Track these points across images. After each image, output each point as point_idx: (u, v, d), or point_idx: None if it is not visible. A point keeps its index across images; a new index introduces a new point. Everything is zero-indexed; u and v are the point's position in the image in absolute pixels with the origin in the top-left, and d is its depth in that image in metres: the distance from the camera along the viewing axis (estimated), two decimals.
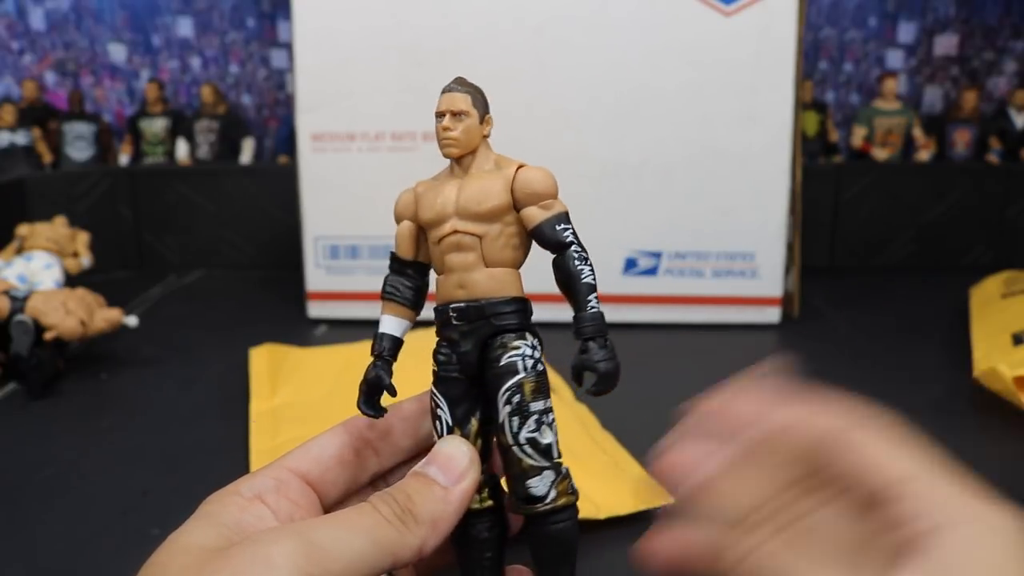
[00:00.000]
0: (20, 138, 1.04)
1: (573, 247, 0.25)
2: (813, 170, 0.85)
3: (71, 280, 0.66)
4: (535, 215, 0.25)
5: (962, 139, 1.02)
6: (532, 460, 0.24)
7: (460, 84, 0.27)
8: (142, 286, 0.83)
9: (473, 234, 0.25)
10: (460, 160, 0.26)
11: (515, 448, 0.24)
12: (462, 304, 0.25)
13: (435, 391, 0.26)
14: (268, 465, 0.25)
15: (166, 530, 0.22)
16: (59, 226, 0.69)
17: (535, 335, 0.25)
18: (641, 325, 0.67)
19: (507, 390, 0.24)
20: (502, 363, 0.24)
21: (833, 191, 0.88)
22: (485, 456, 0.25)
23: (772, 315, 0.66)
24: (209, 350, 0.64)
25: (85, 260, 0.69)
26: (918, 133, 1.00)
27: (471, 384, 0.25)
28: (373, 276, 0.68)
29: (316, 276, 0.69)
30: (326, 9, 0.64)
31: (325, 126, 0.66)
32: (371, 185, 0.67)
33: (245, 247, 0.91)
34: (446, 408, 0.25)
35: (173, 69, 1.14)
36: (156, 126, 1.07)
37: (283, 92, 1.14)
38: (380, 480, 0.27)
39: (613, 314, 0.68)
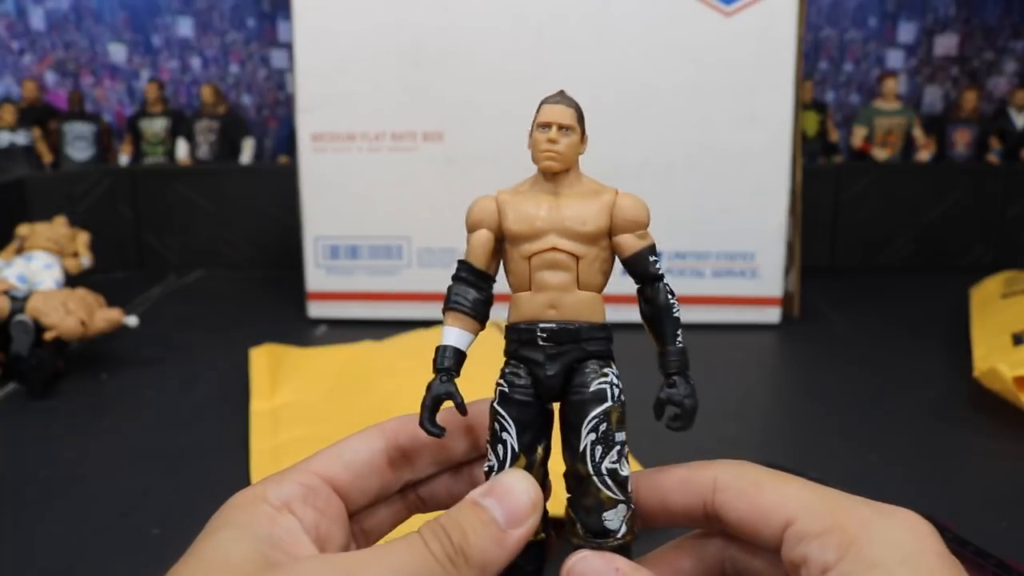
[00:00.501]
0: (20, 138, 1.04)
1: (664, 280, 0.24)
2: (813, 170, 0.85)
3: (71, 280, 0.66)
4: (631, 244, 0.24)
5: (962, 139, 1.02)
6: (611, 492, 0.23)
7: (565, 97, 0.25)
8: (142, 286, 0.83)
9: (573, 254, 0.24)
10: (554, 176, 0.25)
11: (595, 478, 0.23)
12: (553, 325, 0.24)
13: (502, 413, 0.24)
14: (295, 467, 0.24)
15: (166, 530, 0.22)
16: (59, 226, 0.69)
17: (616, 365, 0.25)
18: (641, 325, 0.67)
19: (594, 417, 0.23)
20: (592, 389, 0.24)
21: (833, 191, 0.88)
22: (545, 488, 0.24)
23: (772, 315, 0.66)
24: (209, 350, 0.64)
25: (85, 260, 0.69)
26: (918, 133, 1.00)
27: (543, 410, 0.24)
28: (373, 276, 0.69)
29: (316, 276, 0.69)
30: (326, 9, 0.64)
31: (325, 126, 0.66)
32: (371, 185, 0.67)
33: (245, 247, 0.91)
34: (514, 433, 0.24)
35: (173, 69, 1.14)
36: (156, 126, 1.07)
37: (283, 92, 1.14)
38: (410, 489, 0.26)
39: (613, 314, 0.68)
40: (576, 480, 0.24)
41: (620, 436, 0.24)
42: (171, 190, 0.90)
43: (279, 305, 0.75)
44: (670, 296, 0.24)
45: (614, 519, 0.23)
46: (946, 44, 1.09)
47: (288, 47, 1.11)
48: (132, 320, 0.59)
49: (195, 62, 1.14)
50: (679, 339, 0.24)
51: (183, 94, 1.16)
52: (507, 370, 0.25)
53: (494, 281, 0.26)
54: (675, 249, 0.66)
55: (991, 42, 1.09)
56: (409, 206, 0.67)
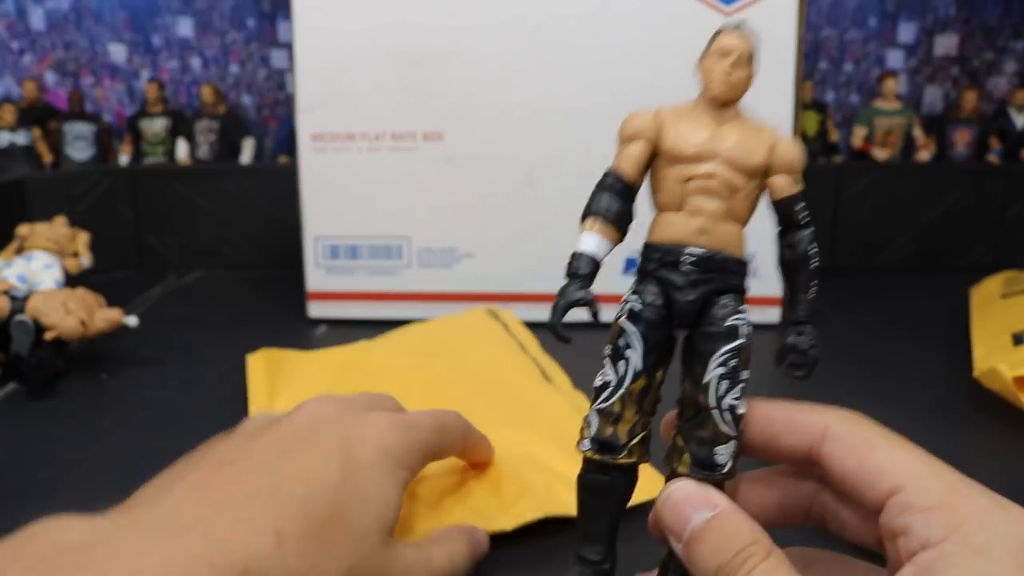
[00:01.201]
0: (20, 138, 1.04)
1: (811, 229, 0.24)
2: (813, 170, 0.85)
3: (71, 280, 0.66)
4: (785, 187, 0.24)
5: (962, 139, 1.02)
6: (727, 427, 0.23)
7: (747, 26, 0.25)
8: (142, 286, 0.83)
9: (732, 185, 0.24)
10: (722, 106, 0.25)
11: (715, 411, 0.23)
12: (702, 250, 0.24)
13: (631, 329, 0.24)
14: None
15: None
16: (59, 226, 0.69)
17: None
18: None
19: (726, 352, 0.23)
20: (728, 323, 0.24)
21: (833, 191, 0.88)
22: (655, 409, 0.25)
23: (772, 315, 0.66)
24: (209, 350, 0.64)
25: (85, 260, 0.69)
26: (918, 133, 1.00)
27: (670, 335, 0.24)
28: (373, 276, 0.69)
29: (316, 276, 0.69)
30: (326, 9, 0.64)
31: (325, 126, 0.66)
32: (371, 185, 0.67)
33: (245, 247, 0.91)
34: (640, 351, 0.24)
35: (173, 69, 1.14)
36: (156, 126, 1.07)
37: (283, 92, 1.14)
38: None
39: (613, 314, 0.68)
40: (695, 410, 0.24)
41: (745, 374, 0.24)
42: (171, 190, 0.90)
43: (279, 305, 0.75)
44: (811, 247, 0.24)
45: (724, 453, 0.23)
46: (946, 44, 1.09)
47: (288, 47, 1.11)
48: (132, 320, 0.59)
49: (195, 62, 1.14)
50: (813, 289, 0.24)
51: (183, 94, 1.16)
52: (641, 287, 0.24)
53: (636, 195, 0.26)
54: None
55: (991, 42, 1.09)
56: (409, 206, 0.67)
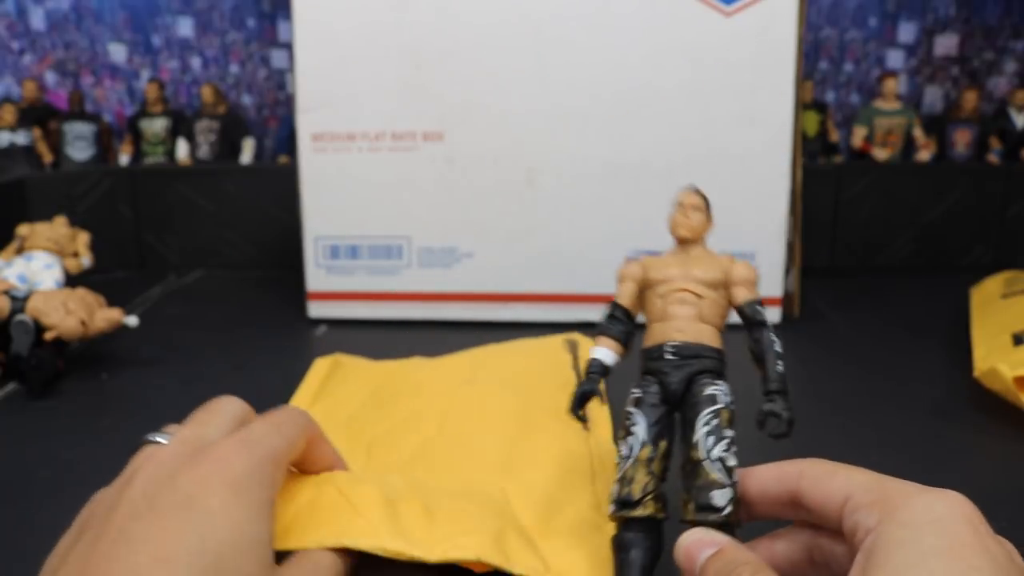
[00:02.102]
0: (20, 138, 1.04)
1: (768, 325, 0.31)
2: (813, 170, 0.85)
3: (71, 280, 0.66)
4: (743, 294, 0.32)
5: (962, 139, 1.02)
6: (719, 475, 0.28)
7: (698, 189, 0.34)
8: (142, 286, 0.83)
9: (697, 294, 0.32)
10: (686, 244, 0.33)
11: (706, 462, 0.28)
12: (678, 343, 0.31)
13: (633, 410, 0.31)
14: None
15: None
16: (59, 226, 0.69)
17: (726, 382, 0.31)
18: (641, 325, 0.67)
19: (708, 414, 0.29)
20: (706, 393, 0.30)
21: (833, 191, 0.88)
22: (665, 476, 0.30)
23: (772, 315, 0.66)
24: (209, 350, 0.64)
25: (85, 260, 0.69)
26: (918, 133, 1.00)
27: (667, 413, 0.31)
28: (373, 276, 0.69)
29: (316, 276, 0.69)
30: (326, 9, 0.64)
31: (325, 126, 0.66)
32: (371, 185, 0.67)
33: (245, 247, 0.91)
34: (643, 425, 0.30)
35: (173, 69, 1.14)
36: (156, 126, 1.07)
37: (283, 92, 1.14)
38: None
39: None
40: (691, 465, 0.29)
41: (729, 432, 0.29)
42: (171, 190, 0.90)
43: (279, 305, 0.75)
44: (773, 336, 0.31)
45: (720, 498, 0.28)
46: (946, 44, 1.09)
47: (288, 47, 1.11)
48: (132, 320, 0.59)
49: (195, 62, 1.14)
50: (779, 367, 0.30)
51: (183, 94, 1.16)
52: (642, 381, 0.32)
53: (635, 320, 0.34)
54: None
55: (991, 42, 1.09)
56: (409, 206, 0.67)
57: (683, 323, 0.31)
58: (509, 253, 0.67)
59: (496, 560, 0.30)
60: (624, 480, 0.30)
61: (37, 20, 1.14)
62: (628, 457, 0.30)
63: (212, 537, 0.23)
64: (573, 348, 0.57)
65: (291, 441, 0.28)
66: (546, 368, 0.53)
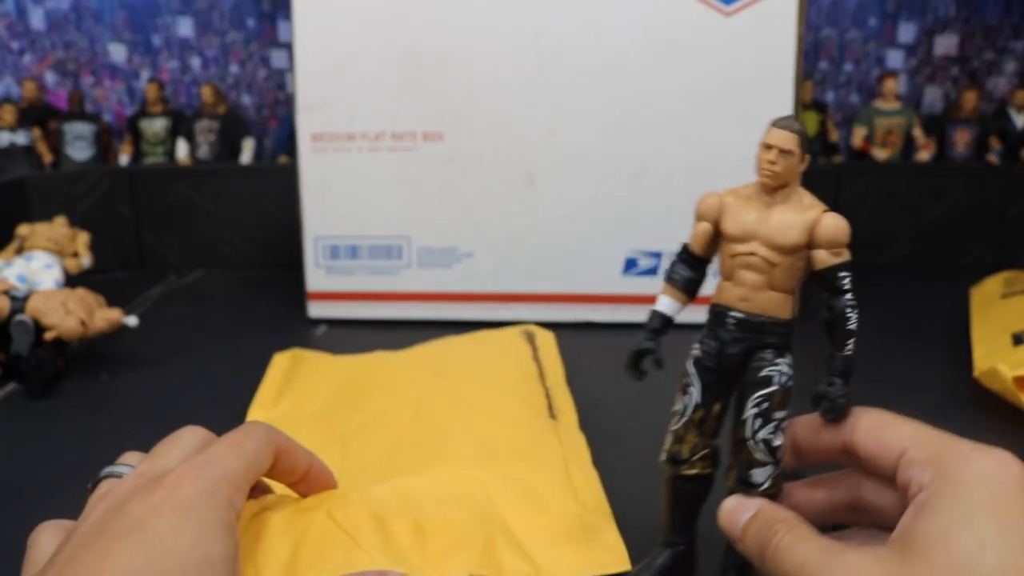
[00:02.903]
0: (20, 138, 1.04)
1: (849, 295, 0.29)
2: (813, 170, 0.85)
3: (71, 280, 0.66)
4: (825, 259, 0.29)
5: (962, 139, 1.02)
6: (762, 455, 0.29)
7: (792, 123, 0.29)
8: (142, 286, 0.83)
9: (770, 261, 0.29)
10: (773, 189, 0.29)
11: (750, 443, 0.29)
12: (742, 315, 0.29)
13: (691, 370, 0.30)
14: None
15: None
16: (59, 226, 0.69)
17: (791, 355, 0.30)
18: (641, 325, 0.67)
19: (759, 397, 0.29)
20: (762, 373, 0.29)
21: (833, 191, 0.88)
22: (717, 433, 0.31)
23: None
24: (209, 350, 0.64)
25: (85, 260, 0.69)
26: (918, 133, 1.00)
27: (724, 376, 0.30)
28: (373, 276, 0.69)
29: (316, 276, 0.69)
30: (326, 9, 0.64)
31: (325, 126, 0.66)
32: (371, 185, 0.67)
33: (245, 247, 0.91)
34: (698, 388, 0.30)
35: (173, 69, 1.14)
36: (156, 126, 1.07)
37: (283, 92, 1.14)
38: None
39: (613, 314, 0.68)
40: (736, 440, 0.29)
41: (779, 415, 0.29)
42: (171, 190, 0.90)
43: (279, 305, 0.75)
44: (851, 310, 0.28)
45: (760, 475, 0.29)
46: (946, 44, 1.09)
47: (288, 47, 1.11)
48: (132, 320, 0.59)
49: (195, 62, 1.14)
50: (848, 348, 0.28)
51: (183, 94, 1.16)
52: (704, 338, 0.30)
53: (709, 263, 0.31)
54: (675, 249, 0.66)
55: (991, 42, 1.09)
56: (409, 206, 0.67)
57: (749, 291, 0.29)
58: (509, 253, 0.67)
59: (488, 572, 0.31)
60: (676, 436, 0.30)
61: (37, 20, 1.14)
62: (682, 416, 0.30)
63: (158, 558, 0.23)
64: (531, 339, 0.57)
65: (249, 459, 0.28)
66: (509, 360, 0.54)
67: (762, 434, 0.29)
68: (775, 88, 0.63)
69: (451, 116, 0.65)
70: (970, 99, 1.03)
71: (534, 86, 0.64)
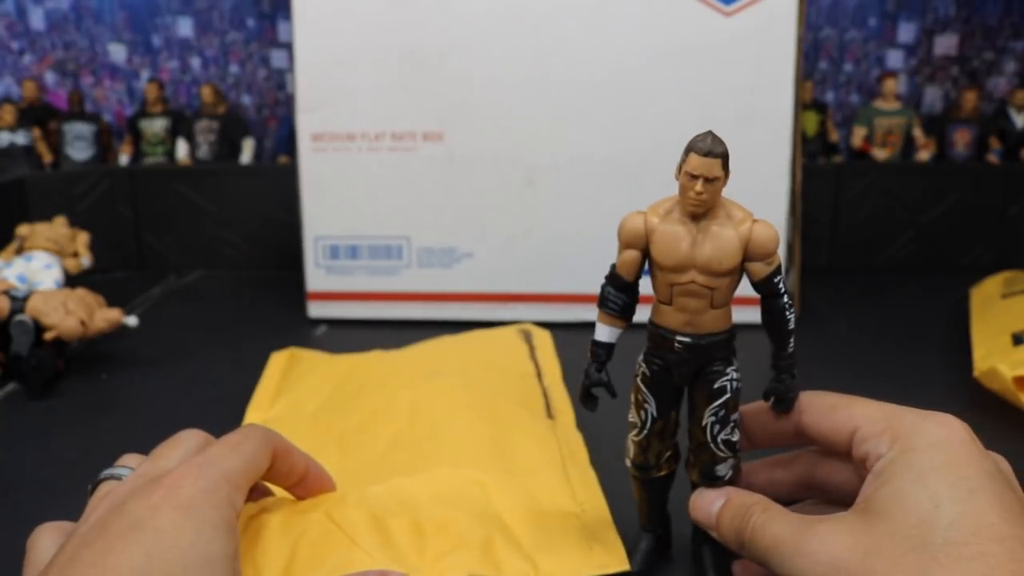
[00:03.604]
0: (20, 138, 1.04)
1: (785, 297, 0.30)
2: (813, 170, 0.85)
3: (71, 280, 0.66)
4: (761, 270, 0.29)
5: (962, 139, 1.02)
6: (722, 453, 0.30)
7: (716, 147, 0.28)
8: (142, 286, 0.83)
9: (709, 286, 0.29)
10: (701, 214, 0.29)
11: (711, 444, 0.30)
12: (689, 339, 0.30)
13: (644, 389, 0.31)
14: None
15: None
16: (59, 226, 0.69)
17: (736, 359, 0.31)
18: (641, 325, 0.67)
19: (716, 407, 0.30)
20: (716, 385, 0.30)
21: (833, 191, 0.88)
22: (675, 433, 0.32)
23: None
24: (209, 350, 0.64)
25: (85, 260, 0.69)
26: (918, 133, 1.00)
27: (676, 389, 0.31)
28: (373, 276, 0.69)
29: (316, 276, 0.69)
30: (326, 9, 0.64)
31: (325, 126, 0.66)
32: (371, 185, 0.67)
33: (245, 247, 0.91)
34: (653, 404, 0.31)
35: (173, 69, 1.14)
36: (156, 126, 1.07)
37: (283, 92, 1.14)
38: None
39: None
40: (696, 443, 0.31)
41: (734, 416, 0.30)
42: (171, 190, 0.90)
43: (279, 305, 0.75)
44: (789, 312, 0.30)
45: (723, 469, 0.31)
46: (946, 44, 1.09)
47: (288, 47, 1.11)
48: (132, 320, 0.59)
49: (195, 62, 1.14)
50: (791, 345, 0.30)
51: (183, 94, 1.16)
52: (649, 357, 0.31)
53: (638, 282, 0.31)
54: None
55: (991, 42, 1.09)
56: (409, 206, 0.67)
57: (693, 316, 0.29)
58: (509, 253, 0.67)
59: (487, 571, 0.31)
60: (640, 445, 0.32)
61: (37, 20, 1.14)
62: (642, 429, 0.32)
63: (159, 556, 0.23)
64: (528, 338, 0.57)
65: (248, 460, 0.28)
66: (506, 359, 0.54)
67: (722, 436, 0.30)
68: (775, 88, 0.63)
69: (451, 116, 0.65)
70: (970, 99, 1.03)
71: (534, 86, 0.64)
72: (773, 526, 0.26)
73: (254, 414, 0.49)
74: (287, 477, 0.31)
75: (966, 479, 0.24)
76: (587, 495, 0.38)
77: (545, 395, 0.49)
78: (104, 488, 0.28)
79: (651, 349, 0.31)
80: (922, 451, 0.25)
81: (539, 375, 0.51)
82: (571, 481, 0.39)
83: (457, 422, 0.43)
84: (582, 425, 0.46)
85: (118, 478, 0.28)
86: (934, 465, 0.24)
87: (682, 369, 0.30)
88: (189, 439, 0.30)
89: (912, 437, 0.26)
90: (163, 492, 0.25)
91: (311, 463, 0.32)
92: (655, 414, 0.31)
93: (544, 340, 0.57)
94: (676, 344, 0.30)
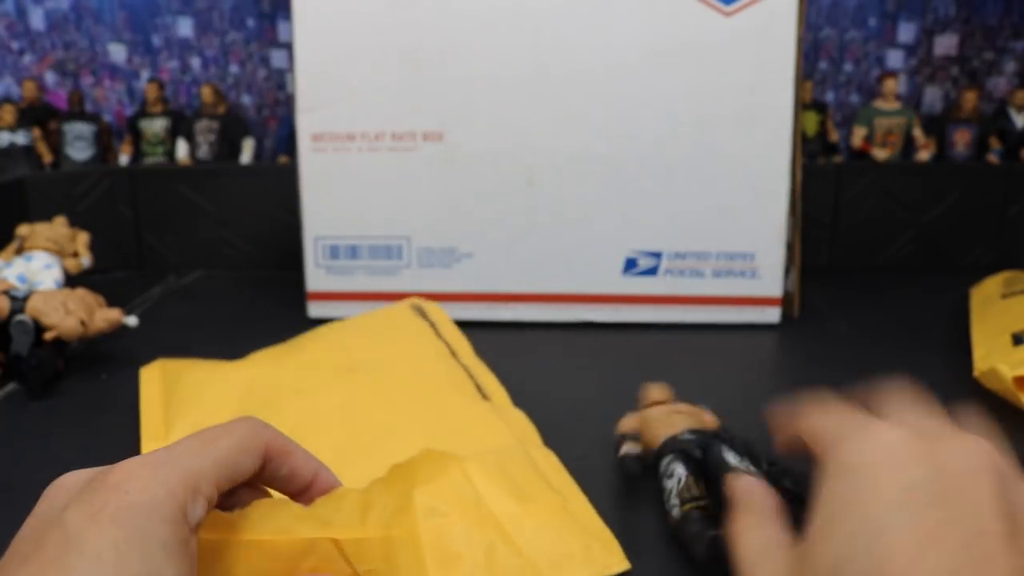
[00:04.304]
0: (20, 138, 1.04)
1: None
2: (813, 170, 0.85)
3: (71, 280, 0.66)
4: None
5: (962, 139, 1.02)
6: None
7: (664, 400, 0.43)
8: (142, 286, 0.83)
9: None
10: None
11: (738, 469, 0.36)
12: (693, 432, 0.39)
13: (673, 464, 0.38)
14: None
15: None
16: (59, 226, 0.69)
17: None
18: (641, 325, 0.67)
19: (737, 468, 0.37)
20: (725, 460, 0.37)
21: (833, 191, 0.88)
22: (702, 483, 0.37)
23: (772, 315, 0.66)
24: (209, 350, 0.63)
25: (85, 260, 0.69)
26: (918, 133, 1.00)
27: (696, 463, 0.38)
28: (373, 276, 0.69)
29: (316, 276, 0.69)
30: (326, 9, 0.64)
31: (325, 126, 0.66)
32: (371, 185, 0.67)
33: (245, 247, 0.91)
34: (682, 466, 0.37)
35: (173, 69, 1.14)
36: (156, 126, 1.07)
37: (283, 92, 1.14)
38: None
39: (613, 314, 0.68)
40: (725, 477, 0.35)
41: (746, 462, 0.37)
42: (171, 190, 0.90)
43: (279, 305, 0.75)
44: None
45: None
46: (946, 44, 1.09)
47: (288, 47, 1.11)
48: (132, 320, 0.59)
49: (195, 62, 1.14)
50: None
51: (183, 94, 1.16)
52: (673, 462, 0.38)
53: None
54: (675, 249, 0.66)
55: (991, 42, 1.09)
56: (409, 206, 0.67)
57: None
58: (509, 253, 0.67)
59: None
60: (683, 500, 0.36)
61: (37, 20, 1.14)
62: (679, 483, 0.36)
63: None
64: (423, 314, 0.54)
65: (220, 459, 0.23)
66: (413, 342, 0.50)
67: (742, 466, 0.35)
68: (775, 88, 0.63)
69: (451, 116, 0.65)
70: (970, 99, 1.03)
71: (534, 86, 0.64)
72: (743, 542, 0.25)
73: (150, 444, 0.44)
74: (287, 482, 0.26)
75: (873, 518, 0.21)
76: (560, 481, 0.37)
77: (470, 375, 0.46)
78: (71, 473, 0.24)
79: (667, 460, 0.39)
80: (840, 481, 0.22)
81: (454, 354, 0.48)
82: (538, 464, 0.38)
83: (398, 421, 0.40)
84: (581, 427, 0.46)
85: None
86: (846, 500, 0.22)
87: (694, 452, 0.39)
88: (235, 427, 0.24)
89: (834, 463, 0.23)
90: (106, 497, 0.21)
91: (321, 469, 0.27)
92: (683, 473, 0.38)
93: (440, 315, 0.54)
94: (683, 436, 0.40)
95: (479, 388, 0.45)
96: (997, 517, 0.20)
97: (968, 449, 0.22)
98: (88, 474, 0.23)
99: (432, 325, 0.52)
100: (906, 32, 1.07)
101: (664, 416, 0.40)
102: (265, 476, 0.25)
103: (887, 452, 0.22)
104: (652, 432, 0.40)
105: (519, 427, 0.41)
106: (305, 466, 0.26)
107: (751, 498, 0.28)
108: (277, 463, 0.25)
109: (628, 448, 0.39)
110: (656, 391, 0.43)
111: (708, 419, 0.41)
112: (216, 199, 0.90)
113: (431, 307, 0.55)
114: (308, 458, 0.26)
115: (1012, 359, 0.50)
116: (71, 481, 0.23)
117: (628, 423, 0.42)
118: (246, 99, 1.13)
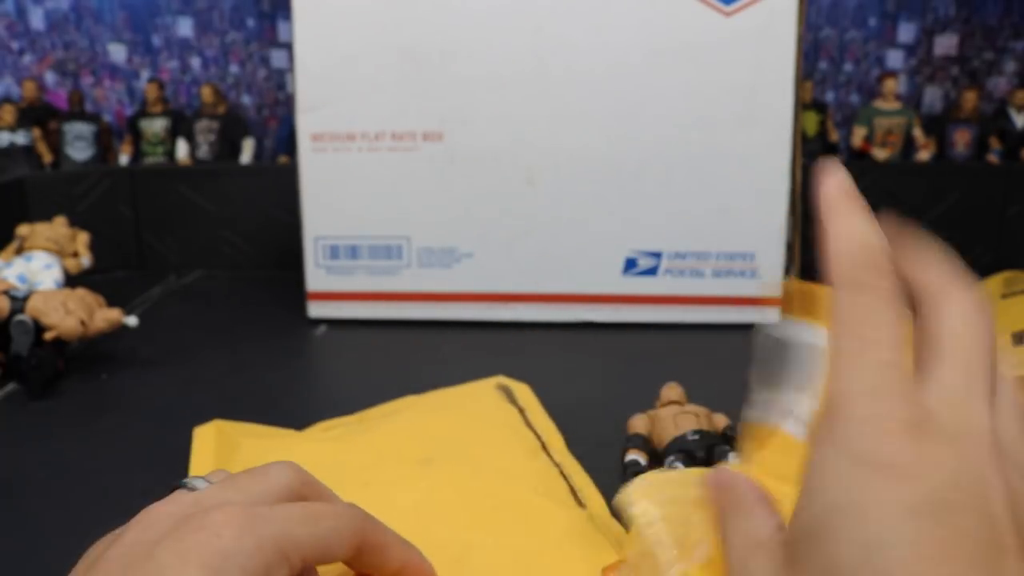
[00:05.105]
0: (20, 138, 1.04)
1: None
2: (813, 170, 0.85)
3: (71, 280, 0.66)
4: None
5: (962, 139, 1.02)
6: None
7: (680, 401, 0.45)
8: (142, 286, 0.83)
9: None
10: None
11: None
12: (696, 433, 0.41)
13: (675, 463, 0.39)
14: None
15: None
16: (59, 226, 0.69)
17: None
18: (641, 325, 0.67)
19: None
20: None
21: None
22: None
23: (772, 315, 0.66)
24: (209, 350, 0.64)
25: (85, 260, 0.69)
26: (918, 133, 1.00)
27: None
28: (373, 276, 0.69)
29: (316, 276, 0.69)
30: (326, 9, 0.64)
31: (325, 126, 0.66)
32: (371, 185, 0.67)
33: (245, 247, 0.91)
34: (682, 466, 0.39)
35: (173, 69, 1.14)
36: (156, 126, 1.07)
37: (283, 92, 1.14)
38: None
39: (613, 314, 0.68)
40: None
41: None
42: (171, 190, 0.90)
43: (279, 305, 0.75)
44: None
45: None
46: (946, 44, 1.09)
47: (288, 47, 1.11)
48: (132, 320, 0.59)
49: (195, 62, 1.14)
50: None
51: (183, 94, 1.16)
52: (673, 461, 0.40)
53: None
54: (675, 249, 0.66)
55: (991, 42, 1.09)
56: (409, 206, 0.67)
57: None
58: (509, 253, 0.67)
59: None
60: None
61: (37, 20, 1.14)
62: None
63: None
64: (511, 396, 0.49)
65: (319, 537, 0.23)
66: (500, 428, 0.45)
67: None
68: (775, 88, 0.63)
69: (451, 116, 0.65)
70: (970, 99, 1.03)
71: (534, 85, 0.64)
72: (728, 538, 0.23)
73: None
74: (375, 569, 0.26)
75: (875, 529, 0.19)
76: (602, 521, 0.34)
77: (563, 475, 0.41)
78: (153, 506, 0.24)
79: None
80: (840, 462, 0.20)
81: (545, 448, 0.43)
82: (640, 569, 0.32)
83: (481, 534, 0.35)
84: (581, 428, 0.45)
85: (192, 489, 0.25)
86: (849, 499, 0.19)
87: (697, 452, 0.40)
88: (280, 475, 0.25)
89: (831, 435, 0.21)
90: (198, 537, 0.21)
91: (412, 558, 0.27)
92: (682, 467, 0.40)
93: (528, 398, 0.49)
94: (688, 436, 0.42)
95: (573, 492, 0.39)
96: (1009, 530, 0.18)
97: (982, 454, 0.20)
98: (183, 508, 0.23)
99: (521, 411, 0.47)
100: (906, 32, 1.07)
101: (672, 417, 0.41)
102: (353, 561, 0.26)
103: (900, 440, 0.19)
104: (659, 432, 0.41)
105: (618, 540, 0.35)
106: (394, 558, 0.26)
107: (731, 492, 0.24)
108: (368, 555, 0.25)
109: (634, 456, 0.40)
110: (670, 391, 0.44)
111: (718, 421, 0.42)
112: (216, 199, 0.90)
113: (520, 388, 0.50)
114: (401, 550, 0.26)
115: (1012, 359, 0.50)
116: (164, 512, 0.23)
117: (638, 422, 0.43)
118: (246, 99, 1.13)
